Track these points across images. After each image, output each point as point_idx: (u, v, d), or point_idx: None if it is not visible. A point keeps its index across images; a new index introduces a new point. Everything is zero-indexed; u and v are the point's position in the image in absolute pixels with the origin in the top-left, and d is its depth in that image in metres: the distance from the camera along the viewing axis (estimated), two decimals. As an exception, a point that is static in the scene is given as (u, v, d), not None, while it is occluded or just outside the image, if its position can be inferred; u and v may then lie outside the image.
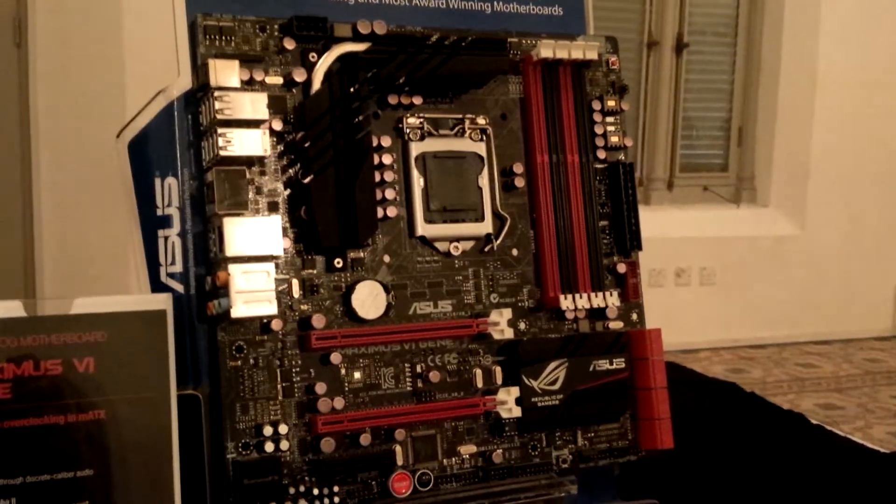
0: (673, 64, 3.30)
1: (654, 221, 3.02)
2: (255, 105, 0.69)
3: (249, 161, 0.69)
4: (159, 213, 0.71)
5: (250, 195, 0.69)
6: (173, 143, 0.71)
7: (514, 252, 0.78)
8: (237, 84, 0.69)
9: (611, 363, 0.78)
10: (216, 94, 0.68)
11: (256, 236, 0.67)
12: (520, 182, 0.79)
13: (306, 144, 0.70)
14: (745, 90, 3.42)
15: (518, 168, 0.79)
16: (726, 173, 3.45)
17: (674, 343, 2.93)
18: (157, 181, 0.71)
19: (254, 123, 0.69)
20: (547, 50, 0.78)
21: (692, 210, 3.33)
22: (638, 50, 3.27)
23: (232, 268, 0.66)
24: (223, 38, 0.71)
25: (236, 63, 0.69)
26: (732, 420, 0.98)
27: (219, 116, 0.67)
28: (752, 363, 2.95)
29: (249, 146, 0.68)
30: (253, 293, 0.66)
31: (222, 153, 0.67)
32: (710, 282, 3.21)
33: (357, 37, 0.73)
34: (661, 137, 3.32)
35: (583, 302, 0.77)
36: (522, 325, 0.77)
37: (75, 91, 2.37)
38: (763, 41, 3.37)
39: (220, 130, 0.67)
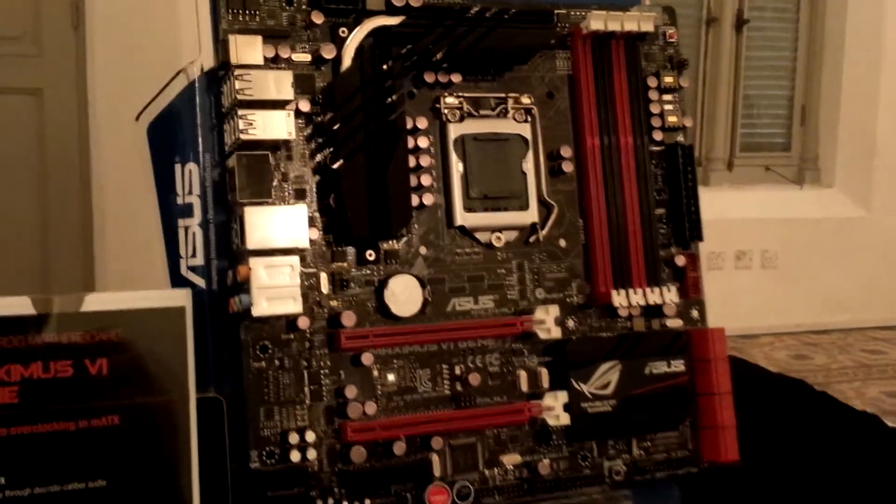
0: (733, 40, 3.18)
1: (714, 203, 2.92)
2: (279, 84, 0.63)
3: (273, 145, 0.63)
4: (179, 201, 0.66)
5: (275, 182, 0.64)
6: (194, 126, 0.66)
7: (562, 243, 0.72)
8: (260, 62, 0.63)
9: (669, 365, 0.71)
10: (237, 72, 0.62)
11: (281, 227, 0.61)
12: (568, 167, 0.72)
13: (336, 127, 0.64)
14: (808, 67, 3.29)
15: (566, 151, 0.72)
16: (789, 153, 3.32)
17: (734, 328, 2.83)
18: (178, 167, 0.66)
19: (278, 104, 0.63)
20: (598, 22, 0.71)
21: (753, 191, 3.21)
22: (696, 26, 3.15)
23: (253, 261, 0.60)
24: (247, 12, 0.65)
25: (259, 39, 0.63)
26: (803, 425, 0.90)
27: (240, 97, 0.62)
28: (816, 349, 2.84)
29: (273, 129, 0.62)
30: (276, 289, 0.60)
31: (243, 137, 0.61)
32: (771, 265, 3.10)
33: (391, 10, 0.67)
34: (720, 116, 3.21)
35: (637, 298, 0.71)
36: (571, 323, 0.71)
37: (132, 73, 2.35)
38: (826, 16, 3.23)
39: (241, 112, 0.62)
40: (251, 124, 0.62)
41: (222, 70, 0.64)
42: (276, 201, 0.63)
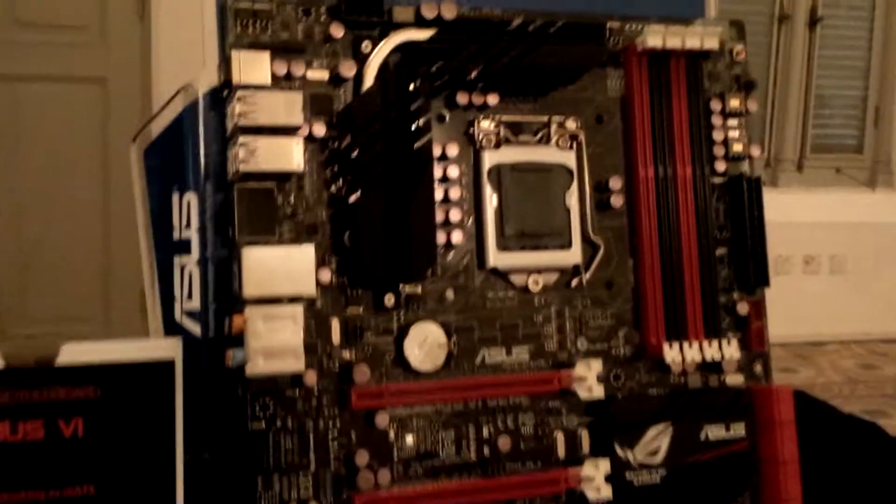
0: (806, 38, 3.03)
1: (783, 205, 2.78)
2: (289, 107, 0.54)
3: (280, 177, 0.55)
4: (176, 235, 0.58)
5: (280, 218, 0.55)
6: (195, 152, 0.58)
7: (609, 287, 0.62)
8: (267, 81, 0.55)
9: (727, 429, 0.61)
10: (240, 93, 0.54)
11: (284, 271, 0.53)
12: (617, 200, 0.62)
13: (354, 154, 0.56)
14: (883, 67, 3.12)
15: (616, 183, 0.62)
16: (861, 155, 3.16)
17: (800, 335, 2.70)
18: (176, 196, 0.58)
19: (286, 130, 0.54)
20: (655, 38, 0.61)
21: (823, 193, 3.06)
22: (768, 24, 3.01)
23: (250, 311, 0.52)
24: (258, 23, 0.57)
25: (266, 55, 0.55)
26: (878, 483, 0.79)
27: (241, 122, 0.53)
28: (886, 359, 2.69)
29: (280, 159, 0.54)
30: (275, 345, 0.52)
31: (243, 168, 0.53)
32: (841, 270, 2.95)
33: (420, 22, 0.59)
34: (791, 116, 3.07)
35: (693, 353, 0.61)
36: (616, 380, 0.61)
37: (196, 62, 2.31)
38: (902, 15, 3.07)
39: (242, 139, 0.53)
40: (253, 153, 0.53)
41: (226, 89, 0.56)
42: (281, 240, 0.55)
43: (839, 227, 2.96)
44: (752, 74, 0.66)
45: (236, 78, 0.54)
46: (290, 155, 0.54)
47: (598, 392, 0.59)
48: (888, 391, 2.36)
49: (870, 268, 2.96)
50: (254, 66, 0.55)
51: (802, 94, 3.06)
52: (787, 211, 2.83)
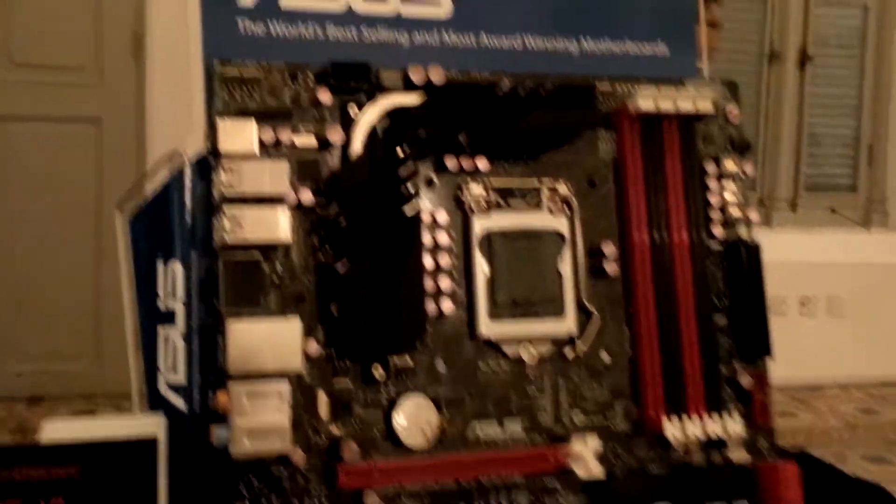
0: (797, 77, 3.03)
1: (777, 245, 2.73)
2: (275, 176, 0.53)
3: (267, 247, 0.53)
4: (161, 305, 0.56)
5: (266, 288, 0.53)
6: (182, 220, 0.56)
7: (604, 357, 0.60)
8: (253, 150, 0.53)
9: (730, 507, 0.59)
10: (226, 162, 0.52)
11: (270, 345, 0.51)
12: (612, 267, 0.61)
13: (341, 221, 0.54)
14: (875, 105, 3.12)
15: (609, 249, 0.61)
16: (855, 194, 3.15)
17: (798, 378, 2.67)
18: (161, 265, 0.56)
19: (273, 200, 0.53)
20: (647, 101, 0.60)
21: (818, 233, 3.05)
22: (758, 62, 3.01)
23: (235, 387, 0.50)
24: (245, 89, 0.55)
25: (252, 123, 0.54)
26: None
27: (227, 192, 0.52)
28: (886, 403, 2.66)
29: (266, 230, 0.53)
30: (260, 423, 0.50)
31: (229, 239, 0.51)
32: (838, 312, 2.92)
33: (409, 86, 0.58)
34: (783, 155, 3.06)
35: (694, 428, 0.59)
36: (614, 456, 0.59)
37: (191, 103, 2.30)
38: (892, 52, 3.07)
39: (228, 210, 0.52)
40: (239, 224, 0.52)
41: (212, 157, 0.54)
42: (268, 311, 0.53)
43: (835, 267, 2.94)
44: (745, 121, 0.64)
45: (222, 147, 0.53)
46: (277, 225, 0.53)
47: (597, 470, 0.57)
48: (889, 436, 2.33)
49: (867, 309, 2.93)
50: (240, 135, 0.53)
51: (795, 132, 3.05)
52: (781, 251, 2.80)
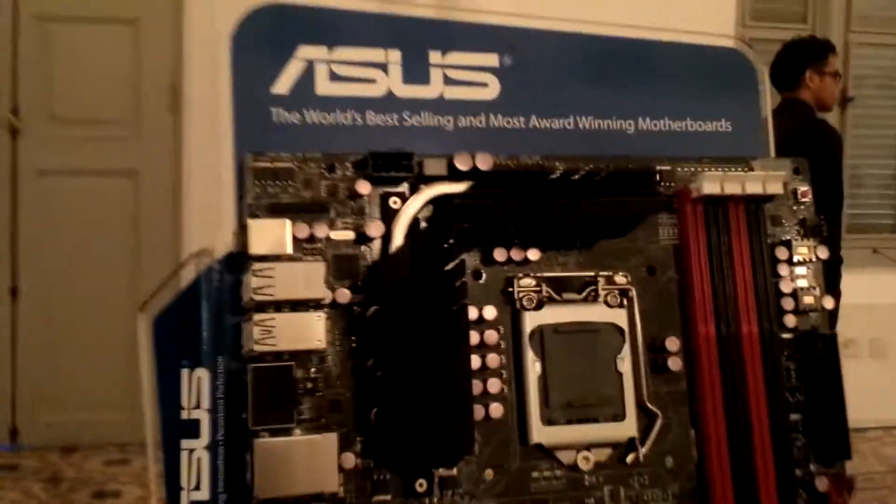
0: (838, 118, 2.97)
1: (819, 287, 2.68)
2: (310, 279, 0.49)
3: (300, 354, 0.48)
4: (185, 415, 0.52)
5: (299, 398, 0.48)
6: (210, 323, 0.51)
7: (669, 462, 0.55)
8: (287, 250, 0.49)
9: None
10: (256, 266, 0.48)
11: (303, 465, 0.46)
12: (675, 363, 0.55)
13: (381, 321, 0.49)
14: (917, 144, 3.05)
15: (672, 344, 0.55)
16: (897, 234, 3.07)
17: (842, 423, 2.59)
18: (185, 373, 0.52)
19: (307, 304, 0.48)
20: (712, 184, 0.55)
21: (861, 274, 2.96)
22: (798, 103, 2.95)
23: (265, 515, 0.45)
24: (279, 182, 0.51)
25: (285, 223, 0.49)
26: None
27: (256, 298, 0.47)
28: (931, 447, 2.56)
29: (299, 338, 0.48)
30: (294, 555, 0.45)
31: (258, 348, 0.47)
32: (881, 354, 2.84)
33: (454, 175, 0.53)
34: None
35: (768, 541, 0.53)
36: (681, 574, 0.54)
37: (228, 158, 2.28)
38: (934, 92, 3.00)
39: (257, 317, 0.47)
40: (270, 332, 0.47)
41: (243, 258, 0.50)
42: (299, 425, 0.48)
43: (878, 309, 2.85)
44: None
45: (253, 248, 0.48)
46: (312, 331, 0.48)
47: (661, 592, 0.52)
48: (935, 479, 2.24)
49: (912, 351, 2.85)
50: (272, 236, 0.49)
51: (836, 173, 2.99)
52: (824, 293, 2.74)
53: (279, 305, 0.48)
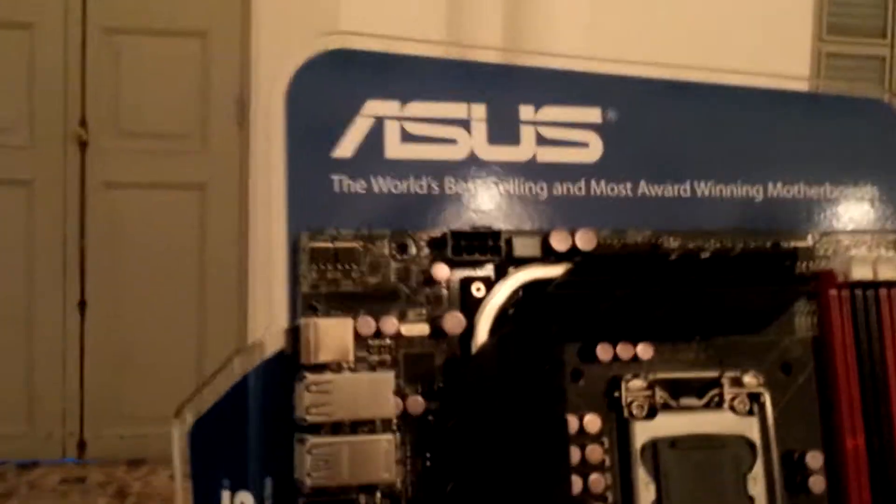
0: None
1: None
2: (376, 394, 0.39)
3: (365, 488, 0.39)
4: (226, 552, 0.43)
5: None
6: (257, 436, 0.42)
7: None
8: (348, 357, 0.40)
9: None
10: (311, 379, 0.38)
11: None
12: (818, 483, 0.45)
13: (460, 434, 0.40)
14: None
15: (814, 459, 0.45)
16: None
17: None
18: (226, 495, 0.43)
19: (372, 426, 0.39)
20: (862, 269, 0.44)
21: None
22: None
23: None
24: (339, 267, 0.42)
25: (348, 324, 0.40)
26: None
27: (309, 418, 0.38)
28: None
29: (364, 470, 0.39)
30: None
31: (313, 482, 0.37)
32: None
33: (549, 256, 0.43)
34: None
35: None
36: None
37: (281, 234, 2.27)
38: None
39: (311, 442, 0.38)
40: (327, 462, 0.38)
41: (295, 366, 0.41)
42: (367, 573, 0.39)
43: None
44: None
45: (307, 357, 0.39)
46: (379, 463, 0.39)
47: None
48: None
49: None
50: (331, 340, 0.39)
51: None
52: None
53: (338, 427, 0.38)
